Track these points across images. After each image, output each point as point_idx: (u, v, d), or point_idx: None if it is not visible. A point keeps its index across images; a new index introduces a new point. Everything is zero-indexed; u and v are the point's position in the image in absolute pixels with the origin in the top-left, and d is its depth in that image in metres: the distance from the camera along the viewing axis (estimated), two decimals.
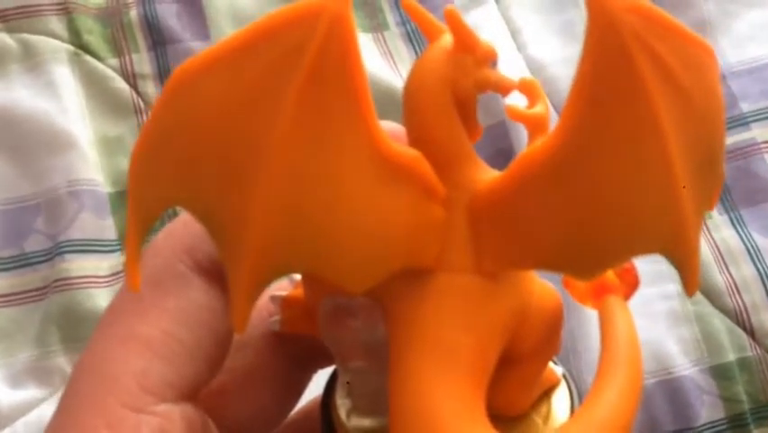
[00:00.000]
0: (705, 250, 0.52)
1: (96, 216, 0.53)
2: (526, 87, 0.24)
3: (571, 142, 0.20)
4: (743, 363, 0.49)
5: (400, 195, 0.21)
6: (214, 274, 0.24)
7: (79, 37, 0.57)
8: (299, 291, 0.26)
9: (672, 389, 0.48)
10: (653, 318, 0.50)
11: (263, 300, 0.26)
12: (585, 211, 0.21)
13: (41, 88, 0.55)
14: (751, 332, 0.50)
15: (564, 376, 0.26)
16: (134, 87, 0.56)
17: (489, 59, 0.22)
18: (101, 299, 0.50)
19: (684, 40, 0.20)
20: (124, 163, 0.54)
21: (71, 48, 0.57)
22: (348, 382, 0.25)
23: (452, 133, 0.22)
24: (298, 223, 0.20)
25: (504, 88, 0.22)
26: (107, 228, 0.53)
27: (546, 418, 0.26)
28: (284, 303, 0.26)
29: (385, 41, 0.60)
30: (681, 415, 0.48)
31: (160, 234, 0.24)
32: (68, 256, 0.51)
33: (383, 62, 0.58)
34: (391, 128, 0.23)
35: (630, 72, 0.19)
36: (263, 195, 0.20)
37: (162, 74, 0.57)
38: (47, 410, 0.48)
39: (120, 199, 0.54)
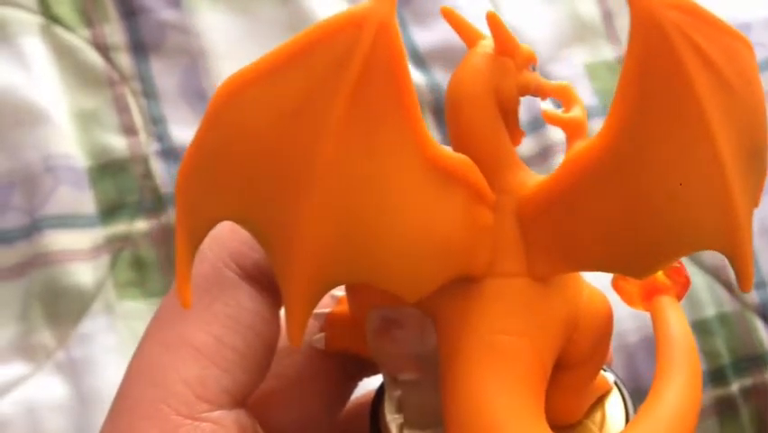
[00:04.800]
0: None
1: (75, 190, 0.52)
2: (562, 92, 0.24)
3: (619, 142, 0.20)
4: (722, 317, 0.50)
5: (452, 199, 0.21)
6: (261, 281, 0.24)
7: (49, 8, 0.56)
8: (343, 308, 0.26)
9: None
10: None
11: None
12: (636, 210, 0.21)
13: (11, 62, 0.54)
14: (729, 287, 0.50)
15: (616, 383, 0.26)
16: (107, 58, 0.55)
17: (530, 61, 0.23)
18: (83, 273, 0.50)
19: (723, 33, 0.20)
20: (101, 136, 0.54)
21: (41, 19, 0.56)
22: (398, 397, 0.24)
23: (498, 138, 0.22)
24: (352, 232, 0.20)
25: (544, 91, 0.23)
26: (86, 203, 0.52)
27: (601, 425, 0.25)
28: (328, 320, 0.26)
29: None
30: None
31: (206, 241, 0.24)
32: (47, 232, 0.50)
33: None
34: None
35: (676, 68, 0.19)
36: (316, 206, 0.19)
37: (135, 44, 0.56)
38: (32, 387, 0.48)
39: (98, 173, 0.53)
